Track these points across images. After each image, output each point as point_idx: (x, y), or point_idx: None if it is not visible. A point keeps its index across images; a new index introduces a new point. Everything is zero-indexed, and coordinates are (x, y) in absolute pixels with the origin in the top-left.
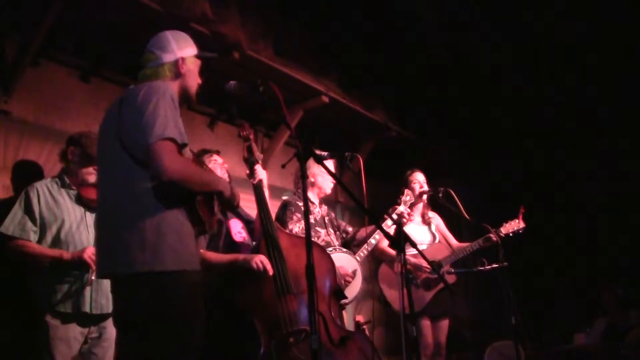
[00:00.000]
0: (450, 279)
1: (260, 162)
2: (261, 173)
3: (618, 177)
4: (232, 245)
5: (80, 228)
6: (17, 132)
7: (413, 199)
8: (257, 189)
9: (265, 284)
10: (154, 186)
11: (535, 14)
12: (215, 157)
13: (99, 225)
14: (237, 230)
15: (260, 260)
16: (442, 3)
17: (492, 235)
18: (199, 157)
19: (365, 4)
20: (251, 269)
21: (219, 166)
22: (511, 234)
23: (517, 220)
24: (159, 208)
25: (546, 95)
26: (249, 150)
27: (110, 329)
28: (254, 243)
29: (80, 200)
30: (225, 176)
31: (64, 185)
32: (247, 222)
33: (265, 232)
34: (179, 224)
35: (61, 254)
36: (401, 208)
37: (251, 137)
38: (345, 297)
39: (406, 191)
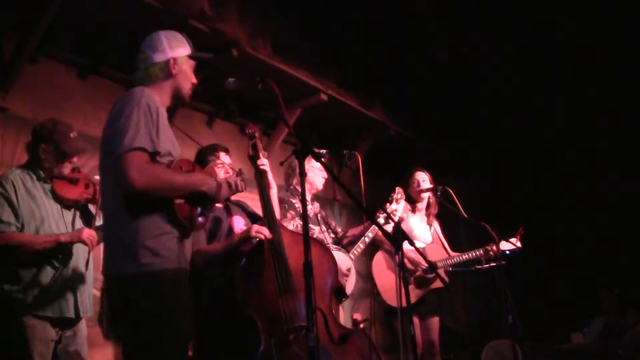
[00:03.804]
0: (439, 284)
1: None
2: (264, 163)
3: (619, 177)
4: None
5: (59, 227)
6: (15, 129)
7: (404, 196)
8: (259, 181)
9: (267, 281)
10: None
11: (536, 14)
12: (221, 157)
13: (103, 224)
14: (240, 227)
15: (257, 231)
16: (443, 2)
17: (490, 248)
18: (204, 154)
19: (364, 2)
20: (250, 242)
21: (222, 168)
22: (508, 252)
23: (515, 240)
24: (136, 212)
25: (547, 95)
26: (254, 148)
27: (83, 326)
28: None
29: (55, 197)
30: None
31: (38, 178)
32: (252, 219)
33: (268, 228)
34: (157, 228)
35: (57, 237)
36: (392, 206)
37: (256, 135)
38: (347, 296)
39: (397, 189)
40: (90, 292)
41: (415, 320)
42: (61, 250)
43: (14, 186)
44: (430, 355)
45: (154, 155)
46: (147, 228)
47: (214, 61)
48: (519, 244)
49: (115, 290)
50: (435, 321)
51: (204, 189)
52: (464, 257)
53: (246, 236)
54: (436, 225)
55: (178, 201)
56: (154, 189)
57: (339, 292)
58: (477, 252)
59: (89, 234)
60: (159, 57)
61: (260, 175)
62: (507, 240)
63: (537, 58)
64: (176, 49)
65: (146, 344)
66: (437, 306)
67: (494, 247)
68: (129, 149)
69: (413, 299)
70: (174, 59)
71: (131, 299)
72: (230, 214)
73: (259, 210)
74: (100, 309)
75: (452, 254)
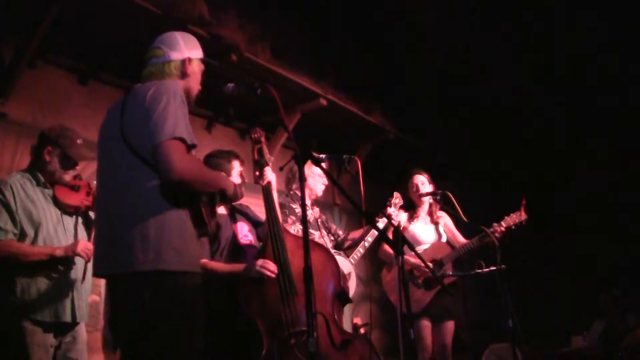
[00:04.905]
0: (449, 279)
1: (270, 164)
2: (270, 175)
3: (619, 178)
4: (238, 249)
5: (58, 232)
6: (14, 134)
7: (402, 201)
8: (266, 191)
9: (269, 285)
10: (159, 185)
11: (535, 14)
12: (233, 163)
13: (98, 223)
14: (244, 233)
15: (261, 267)
16: (441, 4)
17: (488, 232)
18: (217, 157)
19: (363, 6)
20: (254, 278)
21: (236, 173)
22: (513, 227)
23: (518, 213)
24: (162, 208)
25: (545, 95)
26: (260, 152)
27: (82, 332)
28: (260, 243)
29: (56, 203)
30: (239, 181)
31: (38, 183)
32: (255, 225)
33: (272, 234)
34: (181, 225)
35: (53, 251)
36: (390, 210)
37: (262, 139)
38: (350, 301)
39: (396, 194)
40: (87, 297)
41: (427, 323)
42: (59, 263)
43: (12, 191)
44: (442, 358)
45: (190, 148)
46: (173, 224)
47: (212, 66)
48: (523, 216)
49: (123, 289)
50: (449, 325)
51: (224, 187)
52: (465, 247)
53: (249, 275)
54: (446, 219)
55: (204, 198)
56: (193, 179)
57: (343, 297)
58: (476, 241)
59: (84, 246)
60: (175, 55)
61: (266, 187)
62: (510, 216)
63: (537, 58)
64: (191, 50)
65: (161, 347)
66: (452, 309)
67: (497, 228)
68: (171, 137)
69: (426, 301)
70: (189, 60)
71: (150, 298)
72: (234, 221)
73: (261, 215)
74: (104, 314)
75: (459, 243)
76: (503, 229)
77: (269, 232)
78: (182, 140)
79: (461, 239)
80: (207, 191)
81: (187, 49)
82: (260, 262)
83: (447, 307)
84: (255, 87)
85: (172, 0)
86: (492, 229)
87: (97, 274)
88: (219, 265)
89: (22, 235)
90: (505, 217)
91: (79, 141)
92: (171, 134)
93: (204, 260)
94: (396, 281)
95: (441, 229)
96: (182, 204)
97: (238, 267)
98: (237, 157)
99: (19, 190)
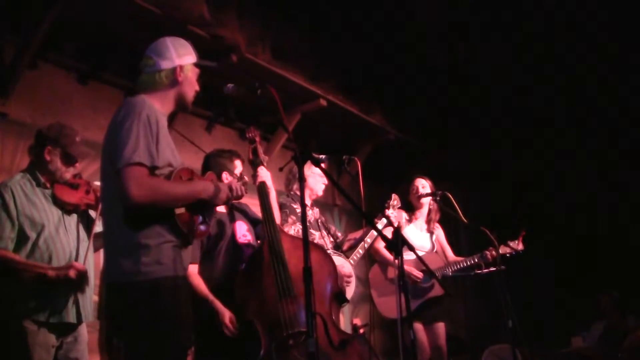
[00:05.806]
0: (437, 293)
1: (264, 164)
2: (264, 175)
3: (619, 179)
4: (236, 248)
5: (59, 232)
6: (15, 134)
7: (399, 203)
8: (260, 191)
9: (267, 286)
10: None
11: (535, 14)
12: (235, 162)
13: (104, 225)
14: (242, 232)
15: (230, 321)
16: (441, 4)
17: (488, 253)
18: (219, 157)
19: (363, 7)
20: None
21: (238, 172)
22: (508, 255)
23: (516, 242)
24: (138, 222)
25: (546, 95)
26: (254, 152)
27: (84, 332)
28: (258, 242)
29: (55, 202)
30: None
31: (38, 184)
32: (253, 223)
33: (268, 234)
34: (158, 236)
35: (45, 271)
36: (389, 212)
37: (257, 139)
38: (347, 301)
39: (394, 196)
40: (92, 297)
41: (419, 326)
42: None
43: (13, 195)
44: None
45: (153, 170)
46: (149, 237)
47: (213, 67)
48: (520, 246)
49: (115, 296)
50: (440, 326)
51: (204, 197)
52: (461, 264)
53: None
54: (439, 231)
55: (179, 211)
56: (155, 202)
57: (340, 297)
58: (474, 259)
59: (76, 271)
60: (165, 64)
61: (260, 186)
62: (507, 244)
63: (537, 58)
64: (183, 57)
65: (144, 350)
66: (442, 312)
67: (493, 252)
68: (128, 164)
69: (414, 306)
70: (181, 67)
71: (131, 306)
72: (233, 220)
73: (260, 214)
74: (99, 315)
75: (451, 260)
76: (499, 254)
77: (266, 232)
78: (141, 164)
79: (450, 253)
80: (177, 206)
81: (177, 57)
82: (227, 319)
83: (436, 309)
84: (256, 87)
85: (172, 1)
86: (486, 252)
87: (103, 278)
88: (202, 288)
89: (20, 239)
90: (502, 245)
91: (77, 138)
92: (128, 160)
93: (191, 275)
94: (383, 282)
95: (434, 239)
96: (155, 219)
97: (213, 300)
98: (238, 156)
99: (19, 192)
